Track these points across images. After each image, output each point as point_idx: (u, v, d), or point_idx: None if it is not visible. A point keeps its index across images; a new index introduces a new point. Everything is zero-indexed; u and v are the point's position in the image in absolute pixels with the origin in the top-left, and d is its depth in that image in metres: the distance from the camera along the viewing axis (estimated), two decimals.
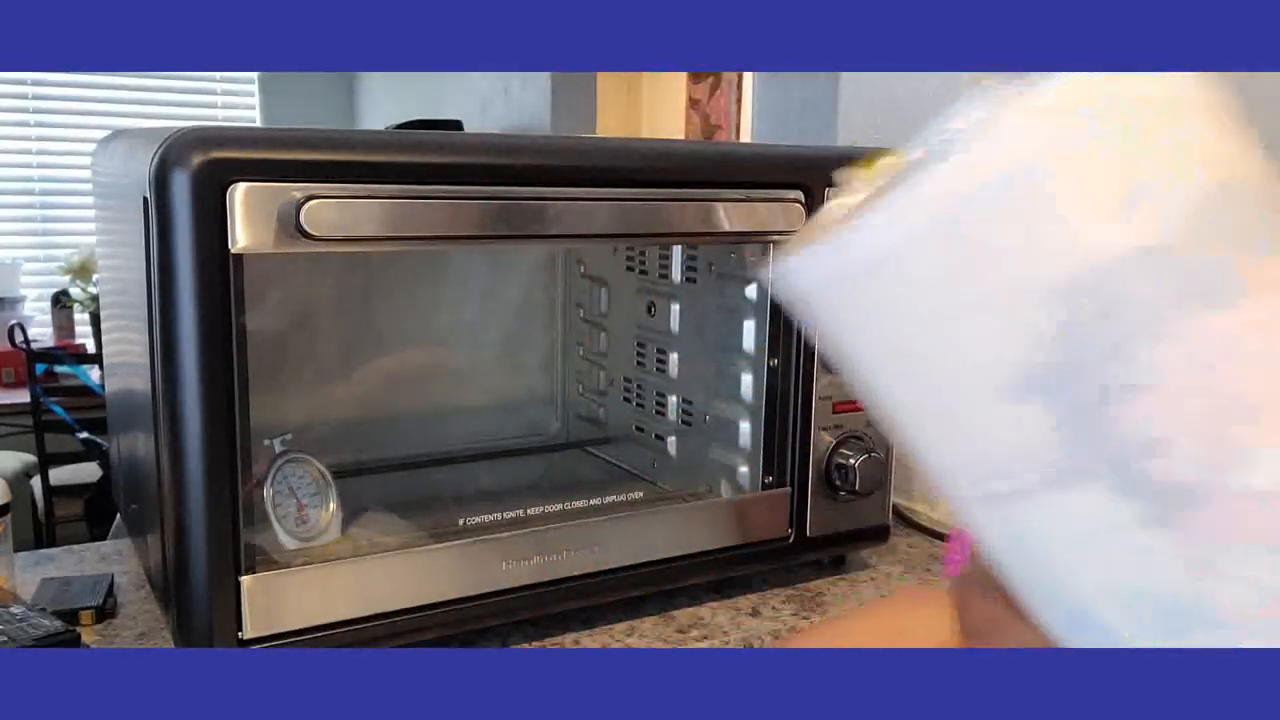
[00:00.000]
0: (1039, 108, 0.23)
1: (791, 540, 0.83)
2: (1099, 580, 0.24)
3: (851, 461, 0.82)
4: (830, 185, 0.77)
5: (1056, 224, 0.22)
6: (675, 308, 0.91)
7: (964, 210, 0.23)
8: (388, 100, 3.56)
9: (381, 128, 2.55)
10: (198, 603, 0.63)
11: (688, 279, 0.90)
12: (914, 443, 0.27)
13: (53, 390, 2.66)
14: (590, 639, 0.76)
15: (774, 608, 0.82)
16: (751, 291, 0.82)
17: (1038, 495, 0.24)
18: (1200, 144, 0.23)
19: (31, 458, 2.73)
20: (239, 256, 0.59)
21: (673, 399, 0.93)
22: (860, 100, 1.13)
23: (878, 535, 0.87)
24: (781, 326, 0.80)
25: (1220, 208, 0.22)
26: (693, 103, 3.64)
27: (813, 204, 0.78)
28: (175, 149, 0.59)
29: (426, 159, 0.65)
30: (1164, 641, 0.23)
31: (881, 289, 0.25)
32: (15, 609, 0.69)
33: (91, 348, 2.90)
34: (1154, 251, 0.22)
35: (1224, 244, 0.22)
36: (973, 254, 0.23)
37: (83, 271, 3.02)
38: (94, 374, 2.66)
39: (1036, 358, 0.23)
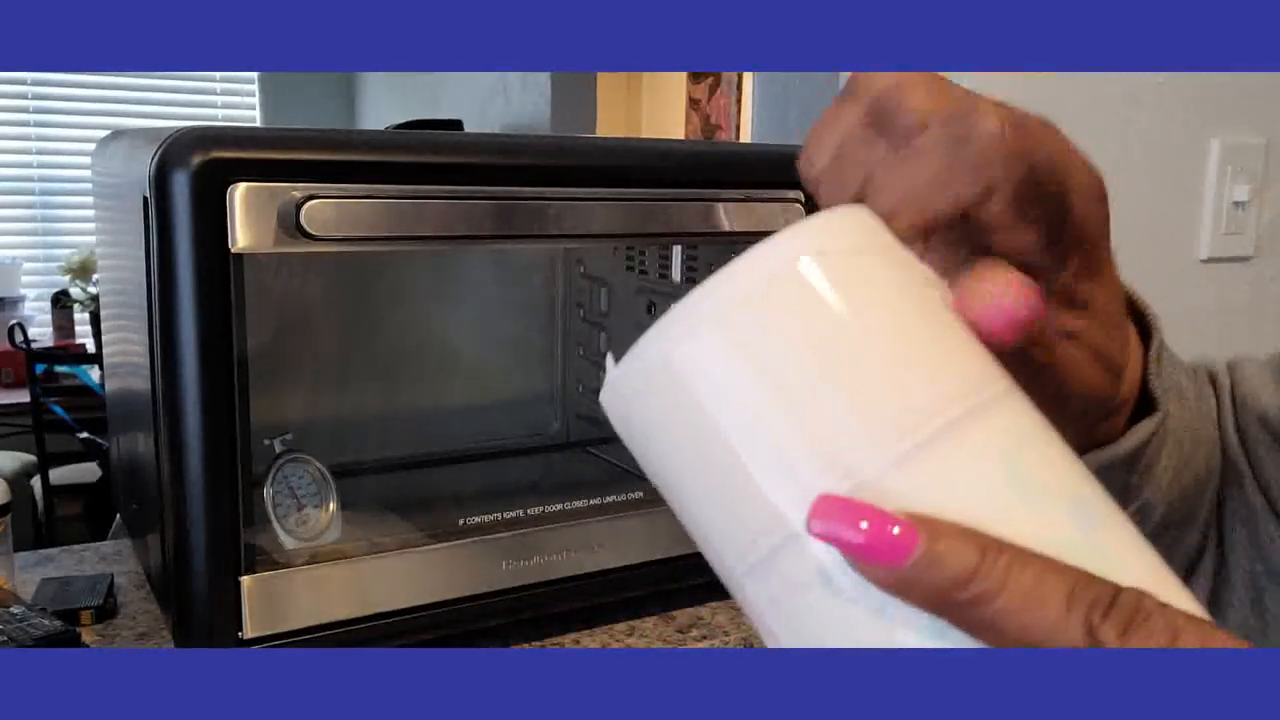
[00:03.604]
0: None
1: None
2: None
3: None
4: None
5: None
6: None
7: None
8: (388, 100, 3.57)
9: (381, 128, 2.55)
10: (198, 603, 0.63)
11: (688, 279, 0.90)
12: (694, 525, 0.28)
13: (53, 390, 2.66)
14: (590, 639, 0.76)
15: None
16: None
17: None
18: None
19: (31, 458, 2.73)
20: (239, 256, 0.59)
21: None
22: None
23: None
24: None
25: None
26: (693, 103, 3.64)
27: (813, 204, 0.77)
28: (175, 149, 0.59)
29: (426, 159, 0.65)
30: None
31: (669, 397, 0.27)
32: (15, 609, 0.69)
33: (91, 348, 2.90)
34: None
35: None
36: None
37: (83, 271, 3.02)
38: (94, 374, 2.66)
39: None
